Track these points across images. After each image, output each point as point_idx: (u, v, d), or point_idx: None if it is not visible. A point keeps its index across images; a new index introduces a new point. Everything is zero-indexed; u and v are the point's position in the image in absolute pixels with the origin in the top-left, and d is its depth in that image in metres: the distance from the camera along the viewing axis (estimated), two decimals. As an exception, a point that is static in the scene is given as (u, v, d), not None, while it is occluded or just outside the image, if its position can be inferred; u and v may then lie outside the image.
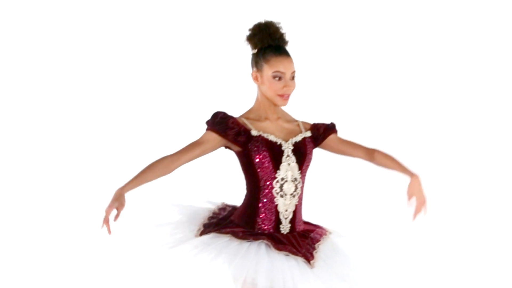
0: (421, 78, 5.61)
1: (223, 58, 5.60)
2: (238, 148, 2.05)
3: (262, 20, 2.12)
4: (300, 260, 1.92)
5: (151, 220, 2.10)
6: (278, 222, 1.99)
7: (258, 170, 2.01)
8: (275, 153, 2.01)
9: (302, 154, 2.05)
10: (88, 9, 6.25)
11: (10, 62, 7.43)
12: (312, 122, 2.21)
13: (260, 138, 2.02)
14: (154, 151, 5.78)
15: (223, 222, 2.05)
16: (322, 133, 2.17)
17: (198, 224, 2.07)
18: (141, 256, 1.99)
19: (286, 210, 2.00)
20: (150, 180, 1.94)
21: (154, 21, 5.91)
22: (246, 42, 2.11)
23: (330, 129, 2.20)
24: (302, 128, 2.15)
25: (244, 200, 2.08)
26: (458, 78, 5.38)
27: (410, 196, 2.03)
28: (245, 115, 2.11)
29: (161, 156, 1.99)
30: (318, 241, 2.03)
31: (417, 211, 2.02)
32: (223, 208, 2.18)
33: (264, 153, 2.01)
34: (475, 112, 5.28)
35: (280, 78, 2.04)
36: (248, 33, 2.11)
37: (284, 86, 2.05)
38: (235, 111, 2.20)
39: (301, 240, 1.99)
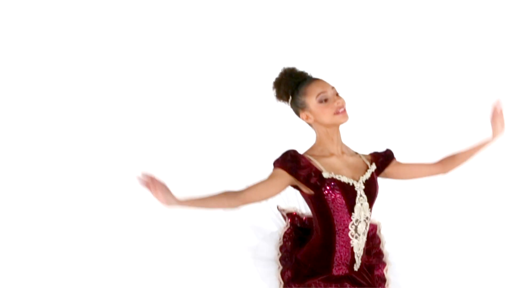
0: (422, 79, 5.64)
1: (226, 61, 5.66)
2: (309, 191, 1.91)
3: (276, 74, 2.07)
4: None
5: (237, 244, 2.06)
6: (352, 261, 1.94)
7: (333, 214, 1.90)
8: (349, 196, 1.91)
9: (372, 192, 1.97)
10: (92, 11, 6.28)
11: (11, 62, 7.49)
12: (369, 153, 2.12)
13: (333, 181, 1.89)
14: (155, 151, 5.75)
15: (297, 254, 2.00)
16: (383, 163, 2.09)
17: (276, 248, 2.03)
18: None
19: (359, 249, 1.95)
20: (207, 208, 1.82)
21: (159, 24, 5.96)
22: (277, 100, 2.04)
23: (389, 156, 2.12)
24: (366, 161, 2.05)
25: (315, 239, 1.97)
26: (458, 79, 5.41)
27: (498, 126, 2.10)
28: (309, 152, 1.98)
29: (226, 189, 1.85)
30: (382, 278, 2.06)
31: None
32: (291, 223, 2.11)
33: (338, 196, 1.89)
34: (475, 113, 5.31)
35: (326, 100, 1.94)
36: (273, 92, 2.04)
37: (334, 102, 1.94)
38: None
39: (370, 273, 2.02)
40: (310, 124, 1.99)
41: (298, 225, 2.08)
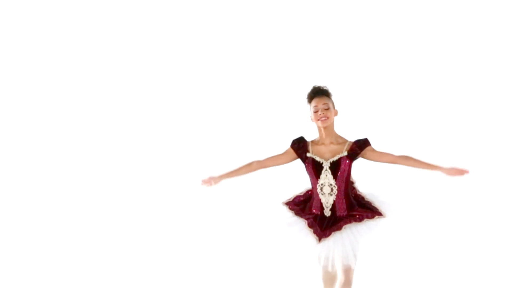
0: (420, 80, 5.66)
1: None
2: (302, 162, 3.15)
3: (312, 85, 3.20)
4: (313, 238, 3.06)
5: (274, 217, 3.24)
6: (322, 209, 3.10)
7: (310, 178, 3.14)
8: (317, 169, 3.09)
9: (336, 169, 3.06)
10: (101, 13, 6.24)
11: (12, 62, 7.40)
12: (354, 140, 3.15)
13: (310, 158, 3.10)
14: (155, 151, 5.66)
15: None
16: (358, 150, 3.10)
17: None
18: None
19: (327, 203, 3.08)
20: (242, 174, 3.17)
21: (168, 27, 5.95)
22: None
23: (362, 146, 3.10)
24: (344, 148, 3.11)
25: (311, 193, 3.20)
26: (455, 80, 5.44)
27: (452, 174, 3.05)
28: (313, 140, 3.17)
29: (251, 160, 3.17)
30: (346, 223, 3.05)
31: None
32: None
33: (310, 167, 3.10)
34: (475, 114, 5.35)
35: (316, 111, 3.10)
36: (306, 97, 3.19)
37: (320, 112, 3.09)
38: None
39: (332, 222, 3.07)
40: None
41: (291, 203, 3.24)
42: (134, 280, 4.43)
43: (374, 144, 3.14)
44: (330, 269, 2.99)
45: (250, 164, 3.14)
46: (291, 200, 3.22)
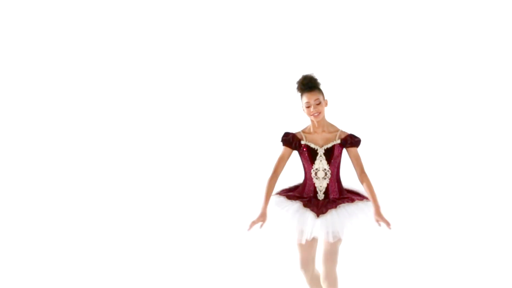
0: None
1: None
2: (296, 151, 3.38)
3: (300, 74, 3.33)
4: (312, 214, 3.27)
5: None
6: (315, 192, 3.33)
7: (305, 163, 3.35)
8: (312, 154, 3.33)
9: (330, 155, 3.32)
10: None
11: (12, 63, 7.39)
12: (349, 132, 3.36)
13: (305, 145, 3.33)
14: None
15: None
16: (348, 143, 3.33)
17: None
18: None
19: (321, 186, 3.33)
20: (272, 194, 3.30)
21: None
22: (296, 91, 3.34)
23: (353, 143, 3.33)
24: (337, 137, 3.34)
25: (303, 180, 3.39)
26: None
27: (376, 220, 3.17)
28: (303, 130, 3.38)
29: (268, 177, 3.28)
30: (339, 204, 3.28)
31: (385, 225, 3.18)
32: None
33: (306, 153, 3.33)
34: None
35: (308, 107, 3.27)
36: (296, 85, 3.32)
37: (312, 108, 3.27)
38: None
39: (326, 203, 3.30)
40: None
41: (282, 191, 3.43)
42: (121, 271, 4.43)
43: (360, 147, 3.40)
44: (331, 240, 3.19)
45: (271, 183, 3.28)
46: (281, 190, 3.39)
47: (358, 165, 3.28)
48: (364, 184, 3.24)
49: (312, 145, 3.30)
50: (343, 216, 3.23)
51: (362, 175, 3.27)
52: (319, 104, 3.25)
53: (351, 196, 3.33)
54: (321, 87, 3.30)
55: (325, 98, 3.30)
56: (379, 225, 3.14)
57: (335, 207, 3.25)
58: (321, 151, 3.29)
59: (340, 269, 3.20)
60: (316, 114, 3.25)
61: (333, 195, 3.31)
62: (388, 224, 3.11)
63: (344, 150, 3.31)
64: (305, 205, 3.27)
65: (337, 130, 3.35)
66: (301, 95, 3.29)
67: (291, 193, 3.35)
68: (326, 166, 3.29)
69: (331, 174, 3.28)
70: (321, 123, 3.31)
